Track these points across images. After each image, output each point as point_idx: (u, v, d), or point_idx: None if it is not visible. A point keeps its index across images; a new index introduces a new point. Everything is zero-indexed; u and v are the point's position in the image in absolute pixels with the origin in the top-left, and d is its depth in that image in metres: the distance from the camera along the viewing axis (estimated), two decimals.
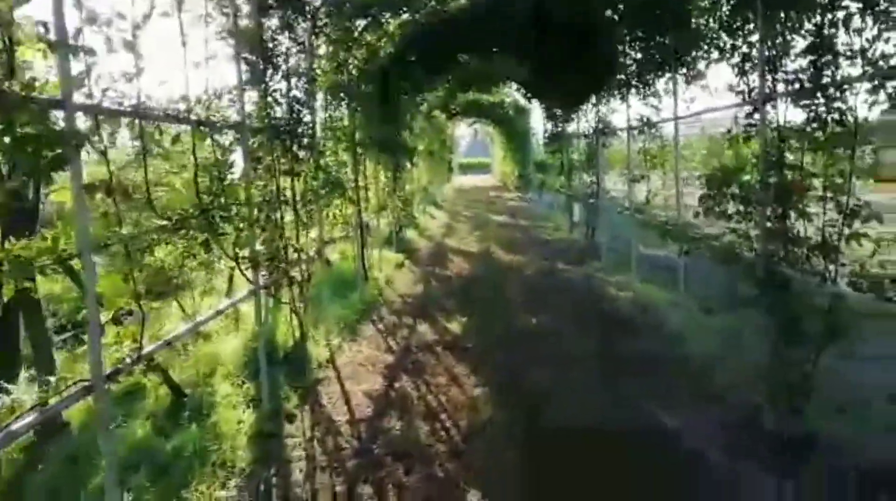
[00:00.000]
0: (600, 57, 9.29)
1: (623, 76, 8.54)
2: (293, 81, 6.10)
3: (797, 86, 4.27)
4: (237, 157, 4.71)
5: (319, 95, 7.42)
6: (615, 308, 7.92)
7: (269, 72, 5.52)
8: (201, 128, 4.05)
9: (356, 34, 8.53)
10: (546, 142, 16.79)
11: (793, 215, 4.44)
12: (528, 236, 15.31)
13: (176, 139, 3.70)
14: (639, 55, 8.03)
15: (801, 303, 4.20)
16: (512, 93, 22.16)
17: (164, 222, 3.60)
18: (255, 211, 5.02)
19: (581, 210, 13.48)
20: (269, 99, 5.59)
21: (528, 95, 17.80)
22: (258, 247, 4.84)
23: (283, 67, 5.87)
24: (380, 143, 10.93)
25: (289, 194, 6.04)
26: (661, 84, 7.57)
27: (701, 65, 6.42)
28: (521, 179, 26.18)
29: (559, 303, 8.39)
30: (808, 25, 4.21)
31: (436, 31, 11.00)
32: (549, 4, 9.58)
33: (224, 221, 4.25)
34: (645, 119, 7.97)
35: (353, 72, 8.92)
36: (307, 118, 6.34)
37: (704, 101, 6.73)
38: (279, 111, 5.81)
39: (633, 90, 8.26)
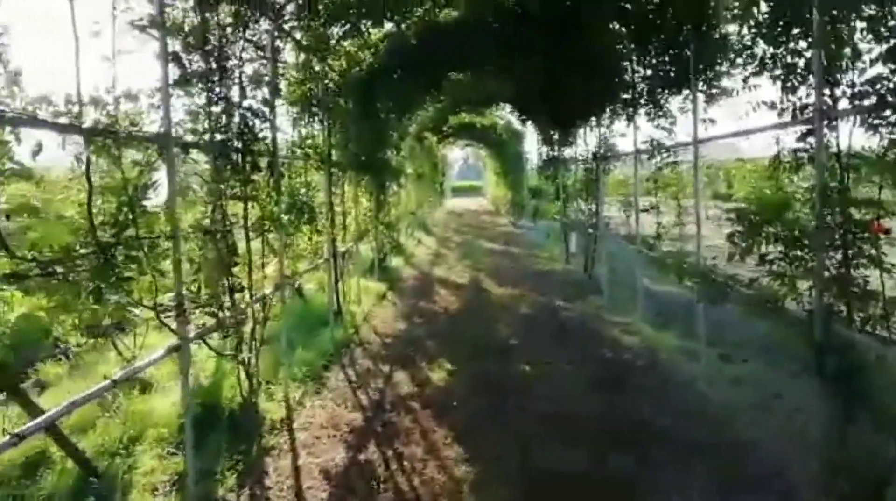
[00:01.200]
0: (603, 74, 8.44)
1: (630, 95, 7.66)
2: (249, 89, 5.15)
3: (870, 100, 3.35)
4: (163, 177, 3.73)
5: (286, 109, 6.49)
6: (622, 358, 6.94)
7: (216, 77, 4.57)
8: (100, 138, 3.07)
9: (332, 42, 7.63)
10: (541, 166, 15.93)
11: (860, 262, 3.51)
12: (521, 266, 14.36)
13: (37, 151, 2.71)
14: (648, 71, 7.15)
15: (882, 378, 3.24)
16: (505, 115, 21.41)
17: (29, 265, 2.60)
18: (187, 244, 4.03)
19: (579, 240, 12.54)
20: (216, 108, 4.63)
21: (523, 117, 16.99)
22: (188, 290, 3.83)
23: (236, 72, 4.92)
24: (361, 163, 10.00)
25: (244, 221, 5.08)
26: (675, 103, 6.69)
27: (726, 80, 5.53)
28: (515, 205, 25.30)
29: (558, 349, 7.40)
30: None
31: (424, 44, 10.13)
32: (546, 17, 8.75)
33: (129, 261, 3.25)
34: (655, 142, 7.06)
35: (330, 84, 8.01)
36: (266, 134, 5.38)
37: (726, 122, 5.85)
38: (231, 124, 4.84)
39: (642, 110, 7.37)
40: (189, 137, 4.10)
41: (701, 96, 5.85)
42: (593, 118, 9.91)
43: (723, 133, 5.27)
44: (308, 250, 7.17)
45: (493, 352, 7.32)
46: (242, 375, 5.11)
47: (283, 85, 6.13)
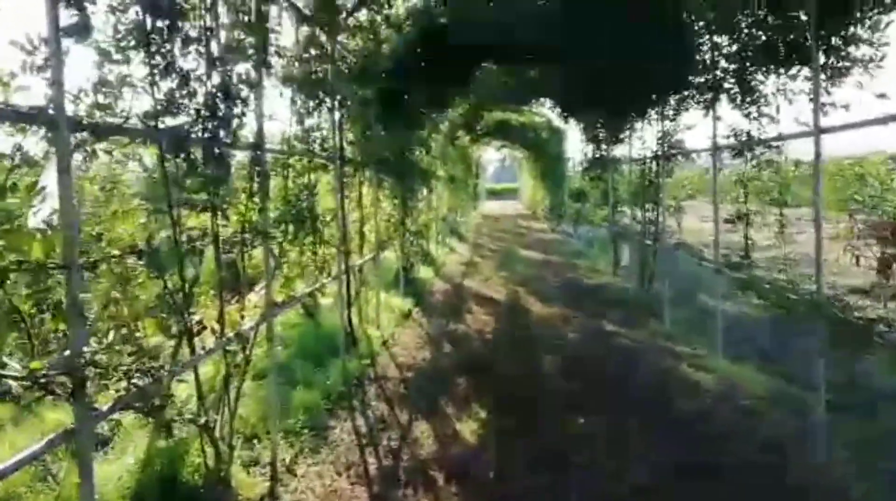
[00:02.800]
0: (671, 54, 6.97)
1: (708, 77, 6.20)
2: (223, 62, 3.88)
3: None
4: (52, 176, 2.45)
5: (280, 93, 5.20)
6: (703, 406, 5.47)
7: (163, 37, 3.30)
8: None
9: (344, 14, 6.34)
10: (585, 168, 14.44)
11: None
12: (564, 278, 12.89)
13: None
14: (735, 46, 5.68)
15: None
16: (544, 112, 19.93)
17: None
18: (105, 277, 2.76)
19: (632, 252, 11.04)
20: (167, 82, 3.37)
21: (565, 113, 15.51)
22: (89, 347, 2.53)
23: (200, 37, 3.65)
24: (383, 163, 8.71)
25: (213, 236, 3.82)
26: (772, 86, 5.21)
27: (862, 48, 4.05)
28: (554, 209, 23.77)
29: (618, 392, 5.97)
30: None
31: (455, 26, 8.82)
32: None
33: None
34: (746, 135, 5.58)
35: (342, 67, 6.73)
36: (246, 121, 4.11)
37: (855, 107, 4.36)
38: (189, 105, 3.58)
39: (724, 96, 5.90)
40: (110, 120, 2.80)
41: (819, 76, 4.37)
42: (653, 110, 8.43)
43: (863, 120, 3.80)
44: (312, 266, 5.87)
45: (539, 397, 5.92)
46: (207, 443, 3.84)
47: (275, 62, 4.84)
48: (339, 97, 6.60)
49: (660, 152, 8.26)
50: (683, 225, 13.29)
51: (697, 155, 7.27)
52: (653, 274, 9.23)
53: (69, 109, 2.49)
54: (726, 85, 5.75)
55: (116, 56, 2.88)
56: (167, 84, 3.41)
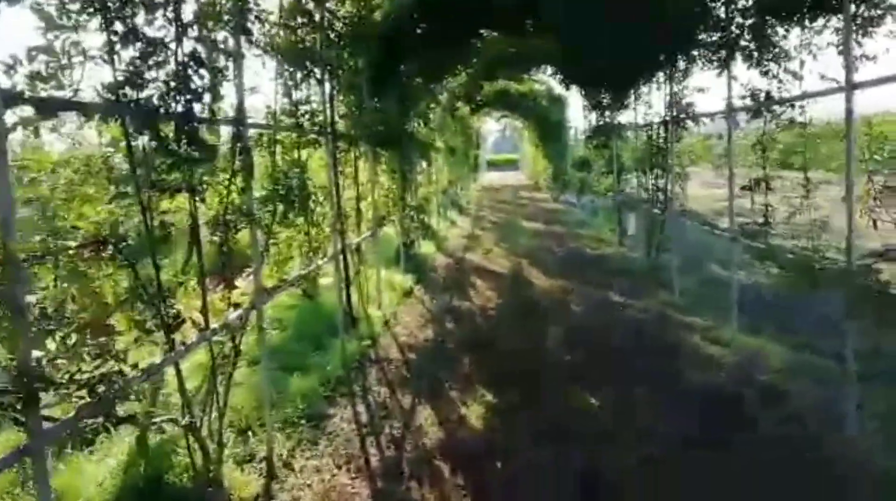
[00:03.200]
0: (679, 12, 6.57)
1: (721, 35, 5.81)
2: (195, 28, 3.54)
3: None
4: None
5: (263, 63, 4.84)
6: (720, 380, 5.20)
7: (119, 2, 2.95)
8: None
9: None
10: (588, 136, 14.03)
11: None
12: (568, 250, 12.58)
13: None
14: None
15: None
16: (545, 79, 19.42)
17: None
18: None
19: (638, 221, 10.71)
20: (128, 51, 3.04)
21: (566, 80, 15.05)
22: (42, 350, 2.24)
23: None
24: (380, 136, 8.35)
25: (192, 220, 3.52)
26: (794, 40, 4.83)
27: None
28: (556, 179, 23.35)
29: (629, 366, 5.71)
30: None
31: None
32: None
33: None
34: (765, 95, 5.20)
35: (332, 35, 6.34)
36: (225, 93, 3.77)
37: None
38: (158, 77, 3.25)
39: (739, 55, 5.51)
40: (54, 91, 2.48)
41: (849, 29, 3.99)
42: (661, 73, 8.03)
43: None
44: (305, 247, 5.57)
45: (547, 374, 5.66)
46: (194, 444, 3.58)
47: (256, 29, 4.47)
48: (329, 68, 6.23)
49: (668, 117, 7.88)
50: (688, 192, 12.95)
51: (710, 119, 6.89)
52: (660, 243, 8.91)
53: (4, 82, 2.17)
54: (742, 42, 5.36)
55: (63, 21, 2.53)
56: (130, 53, 3.08)
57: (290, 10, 5.37)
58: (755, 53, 5.18)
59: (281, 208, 4.83)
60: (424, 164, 13.27)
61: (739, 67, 5.55)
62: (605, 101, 12.52)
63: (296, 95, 5.42)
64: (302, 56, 5.46)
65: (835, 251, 4.70)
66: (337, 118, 6.52)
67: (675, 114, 7.67)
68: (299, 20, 5.56)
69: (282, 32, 5.19)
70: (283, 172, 4.97)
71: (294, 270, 5.15)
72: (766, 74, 5.14)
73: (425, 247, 12.52)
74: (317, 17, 5.83)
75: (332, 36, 6.29)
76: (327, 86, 6.15)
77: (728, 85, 5.65)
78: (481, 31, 11.03)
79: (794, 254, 4.76)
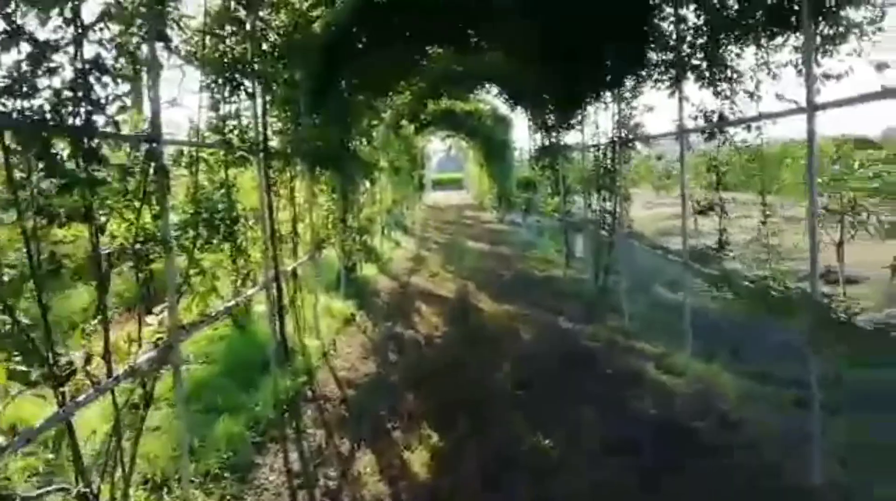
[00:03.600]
0: (629, 31, 6.42)
1: (671, 54, 5.66)
2: (98, 30, 3.07)
3: None
4: None
5: (183, 73, 4.36)
6: (677, 411, 4.95)
7: None
8: None
9: None
10: (534, 156, 13.93)
11: None
12: (515, 272, 12.34)
13: None
14: (703, 17, 5.13)
15: None
16: (490, 100, 19.35)
17: None
18: None
19: (586, 243, 10.55)
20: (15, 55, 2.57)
21: (512, 100, 14.97)
22: None
23: None
24: (318, 155, 7.90)
25: (93, 249, 3.01)
26: (748, 61, 4.68)
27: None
28: (501, 199, 23.26)
29: (583, 399, 5.39)
30: None
31: (394, 6, 8.09)
32: None
33: None
34: (717, 116, 5.04)
35: (266, 45, 5.90)
36: (129, 104, 3.29)
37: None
38: (52, 83, 2.76)
39: (691, 74, 5.36)
40: None
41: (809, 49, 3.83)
42: (609, 92, 7.89)
43: (861, 94, 3.27)
44: (234, 276, 5.06)
45: (495, 410, 5.30)
46: None
47: (176, 35, 4.00)
48: (261, 80, 5.77)
49: (616, 138, 7.73)
50: (631, 213, 12.98)
51: (656, 141, 6.76)
52: (609, 266, 8.72)
53: None
54: (694, 61, 5.21)
55: None
56: (12, 57, 2.60)
57: (217, 17, 4.92)
58: (707, 73, 5.02)
59: (205, 233, 4.35)
60: (367, 184, 12.84)
61: (691, 86, 5.40)
62: (550, 121, 12.43)
63: (224, 109, 4.95)
64: (230, 67, 5.00)
65: (791, 277, 4.54)
66: (270, 135, 6.06)
67: (623, 135, 7.51)
68: (228, 28, 5.11)
69: (208, 41, 4.73)
70: (207, 193, 4.49)
71: (220, 301, 4.63)
72: (718, 94, 4.98)
73: (368, 270, 12.06)
74: (248, 26, 5.39)
75: (265, 47, 5.85)
76: (259, 100, 5.69)
77: (679, 105, 5.49)
78: (425, 46, 10.78)
79: (749, 279, 4.56)
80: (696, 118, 5.29)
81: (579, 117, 10.46)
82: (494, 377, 6.24)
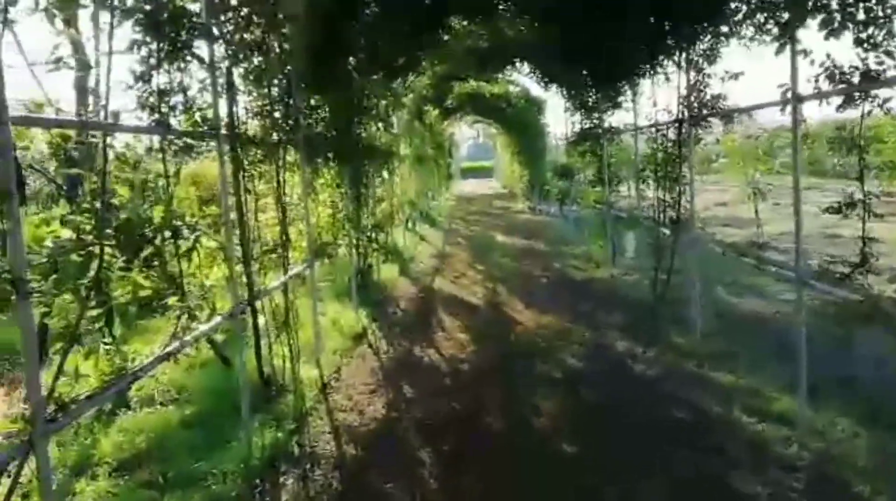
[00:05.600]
0: None
1: None
2: None
3: None
4: None
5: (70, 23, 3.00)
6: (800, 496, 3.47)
7: None
8: None
9: None
10: (573, 140, 12.36)
11: None
12: (552, 272, 10.83)
13: None
14: None
15: None
16: (521, 80, 17.78)
17: None
18: None
19: (640, 241, 9.00)
20: None
21: (546, 79, 13.39)
22: None
23: None
24: (318, 143, 6.55)
25: None
26: None
27: None
28: (534, 188, 21.68)
29: (660, 466, 3.95)
30: None
31: None
32: None
33: None
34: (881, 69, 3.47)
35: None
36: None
37: None
38: None
39: (819, 15, 3.79)
40: None
41: None
42: (673, 59, 6.34)
43: None
44: (177, 309, 3.69)
45: (542, 477, 3.88)
46: None
47: None
48: (228, 45, 4.40)
49: (685, 115, 6.18)
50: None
51: (748, 115, 5.22)
52: (670, 270, 7.18)
53: None
54: None
55: None
56: None
57: None
58: (844, 11, 3.46)
59: (120, 253, 2.99)
60: (385, 174, 11.45)
61: (811, 36, 3.84)
62: (592, 100, 10.87)
63: (160, 80, 3.57)
64: (172, 22, 3.61)
65: None
66: (243, 116, 4.69)
67: (695, 109, 5.96)
68: None
69: None
70: (125, 197, 3.13)
71: (146, 351, 3.29)
72: (862, 43, 3.43)
73: (387, 271, 10.69)
74: None
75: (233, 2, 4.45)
76: (222, 69, 4.31)
77: (792, 63, 3.93)
78: (445, 17, 9.30)
79: None
80: (817, 79, 3.73)
81: (629, 94, 8.93)
82: (536, 425, 4.81)
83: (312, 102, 6.67)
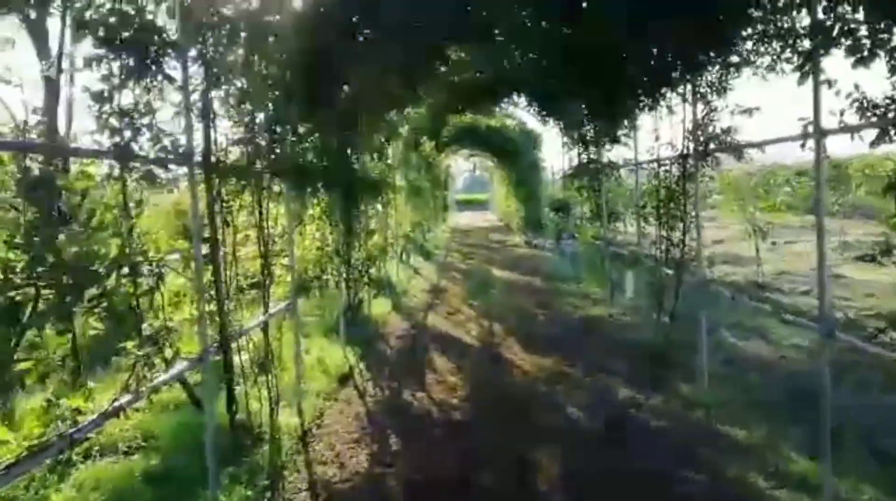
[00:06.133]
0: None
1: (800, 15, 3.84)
2: None
3: None
4: None
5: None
6: None
7: None
8: None
9: None
10: (570, 174, 12.11)
11: None
12: (551, 310, 10.43)
13: None
14: None
15: None
16: (517, 114, 17.68)
17: None
18: None
19: (640, 281, 8.65)
20: None
21: (543, 113, 13.18)
22: None
23: None
24: (306, 174, 6.24)
25: None
26: None
27: None
28: (529, 222, 21.41)
29: None
30: None
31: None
32: None
33: None
34: None
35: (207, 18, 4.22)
36: None
37: None
38: None
39: (845, 42, 3.51)
40: None
41: None
42: (678, 91, 6.07)
43: None
44: (134, 354, 3.30)
45: None
46: None
47: None
48: (207, 66, 4.09)
49: (690, 150, 5.89)
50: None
51: (759, 150, 4.92)
52: (673, 312, 6.81)
53: None
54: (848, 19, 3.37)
55: None
56: None
57: None
58: (879, 37, 3.17)
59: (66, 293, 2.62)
60: (379, 207, 11.14)
61: (836, 64, 3.56)
62: (590, 134, 10.66)
63: (124, 99, 3.24)
64: (135, 37, 3.30)
65: None
66: (222, 143, 4.36)
67: (701, 143, 5.67)
68: None
69: None
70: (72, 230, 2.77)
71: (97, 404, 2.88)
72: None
73: (378, 306, 10.29)
74: None
75: (205, 19, 4.15)
76: (198, 94, 4.00)
77: (815, 94, 3.64)
78: (441, 45, 9.07)
79: None
80: (842, 113, 3.44)
81: (629, 128, 8.68)
82: (535, 487, 4.38)
83: (301, 129, 6.34)
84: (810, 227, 19.23)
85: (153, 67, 3.41)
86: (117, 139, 3.15)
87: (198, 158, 3.91)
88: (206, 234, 4.13)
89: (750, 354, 6.77)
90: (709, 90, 5.39)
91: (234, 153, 4.66)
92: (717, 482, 4.24)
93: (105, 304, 2.79)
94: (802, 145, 3.89)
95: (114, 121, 3.15)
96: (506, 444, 5.05)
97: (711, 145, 5.52)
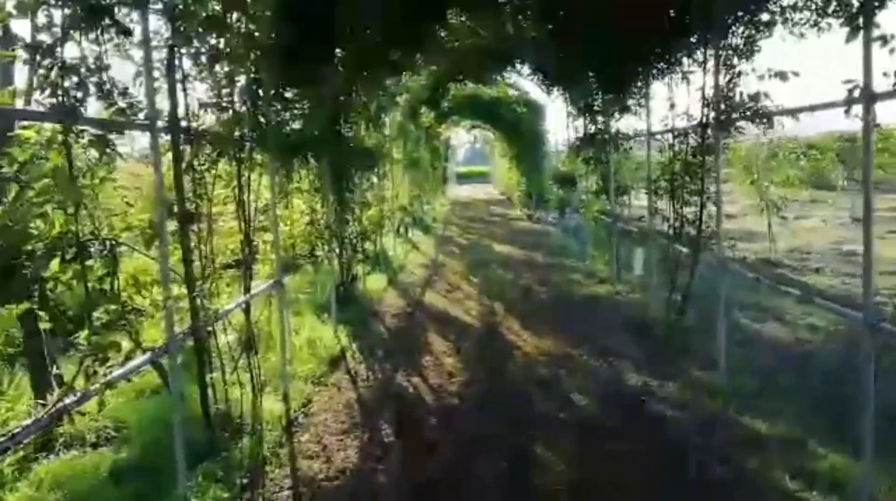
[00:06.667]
0: None
1: None
2: None
3: None
4: None
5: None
6: None
7: None
8: None
9: None
10: (575, 146, 11.60)
11: None
12: (553, 288, 10.02)
13: None
14: None
15: None
16: (520, 84, 17.08)
17: None
18: None
19: (650, 258, 8.21)
20: None
21: (547, 82, 12.61)
22: None
23: None
24: (293, 144, 5.78)
25: None
26: None
27: None
28: (531, 195, 20.92)
29: None
30: None
31: None
32: None
33: None
34: None
35: None
36: None
37: None
38: None
39: None
40: None
41: None
42: (697, 54, 5.58)
43: None
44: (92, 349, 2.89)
45: None
46: None
47: None
48: (171, 17, 3.61)
49: (710, 119, 5.42)
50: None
51: (792, 118, 4.45)
52: (687, 293, 6.40)
53: None
54: None
55: None
56: None
57: None
58: None
59: None
60: (374, 179, 10.68)
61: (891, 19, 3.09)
62: (597, 104, 10.14)
63: (63, 53, 2.78)
64: None
65: None
66: (195, 109, 3.90)
67: (723, 111, 5.19)
68: None
69: None
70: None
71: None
72: None
73: (373, 282, 9.89)
74: None
75: None
76: (164, 52, 3.53)
77: (865, 53, 3.17)
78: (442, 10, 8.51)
79: None
80: None
81: (641, 95, 8.18)
82: (531, 488, 4.01)
83: (288, 95, 5.87)
84: (820, 201, 18.72)
85: (106, 18, 2.93)
86: (60, 99, 2.70)
87: (163, 124, 3.45)
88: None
89: (772, 338, 6.38)
90: (733, 53, 4.89)
91: (211, 120, 4.21)
92: (740, 475, 3.86)
93: (38, 291, 2.37)
94: (847, 111, 3.43)
95: (55, 77, 2.69)
96: (507, 437, 4.67)
97: (734, 114, 5.03)
